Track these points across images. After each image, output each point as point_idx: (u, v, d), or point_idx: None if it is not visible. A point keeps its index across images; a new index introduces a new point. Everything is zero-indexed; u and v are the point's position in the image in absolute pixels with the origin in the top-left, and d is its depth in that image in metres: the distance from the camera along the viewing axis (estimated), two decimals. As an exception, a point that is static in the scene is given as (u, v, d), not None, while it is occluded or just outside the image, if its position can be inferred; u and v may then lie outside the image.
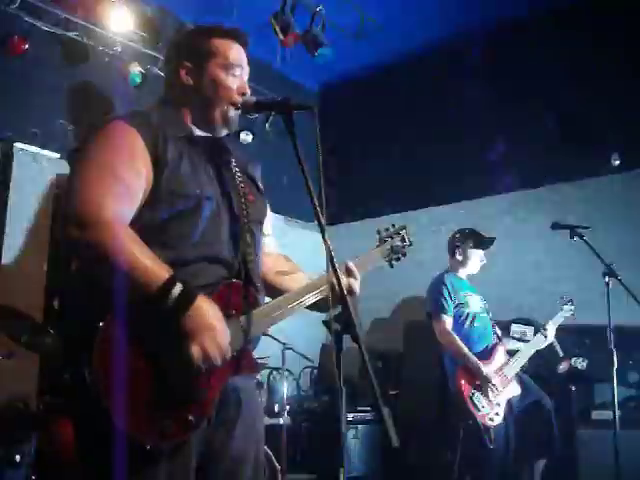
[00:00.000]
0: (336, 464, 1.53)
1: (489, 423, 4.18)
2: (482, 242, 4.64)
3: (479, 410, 4.19)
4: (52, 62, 4.91)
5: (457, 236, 4.66)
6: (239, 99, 1.97)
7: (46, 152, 5.05)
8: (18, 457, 3.46)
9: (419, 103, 6.71)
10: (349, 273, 2.07)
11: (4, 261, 4.86)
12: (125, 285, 1.60)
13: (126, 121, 1.81)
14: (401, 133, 6.73)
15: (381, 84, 6.94)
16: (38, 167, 5.03)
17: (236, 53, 2.00)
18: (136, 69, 4.48)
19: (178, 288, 1.62)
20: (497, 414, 4.24)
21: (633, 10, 4.30)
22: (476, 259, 4.65)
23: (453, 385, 4.27)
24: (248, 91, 1.99)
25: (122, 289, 1.60)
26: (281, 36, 5.09)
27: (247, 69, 2.04)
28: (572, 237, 4.42)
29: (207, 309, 1.67)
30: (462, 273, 4.65)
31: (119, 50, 4.63)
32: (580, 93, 5.55)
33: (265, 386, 4.72)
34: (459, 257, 4.63)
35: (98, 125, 1.82)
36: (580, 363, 5.01)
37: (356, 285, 2.07)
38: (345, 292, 1.57)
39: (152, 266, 1.63)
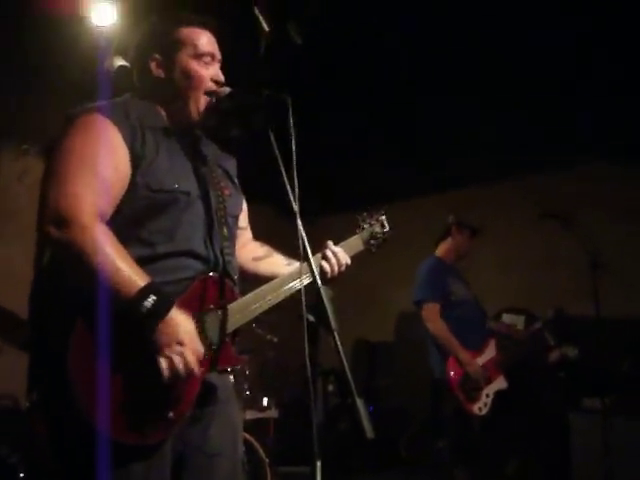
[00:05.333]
0: (327, 455, 1.50)
1: (477, 412, 4.20)
2: (474, 230, 4.64)
3: (468, 399, 4.20)
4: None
5: (452, 218, 4.64)
6: (213, 87, 1.93)
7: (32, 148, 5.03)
8: (7, 455, 3.45)
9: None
10: (326, 259, 2.07)
11: (-10, 258, 4.84)
12: (100, 288, 1.57)
13: (103, 114, 1.77)
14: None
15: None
16: (23, 164, 5.00)
17: (206, 40, 1.96)
18: (119, 62, 4.47)
19: (151, 299, 1.59)
20: (485, 405, 4.25)
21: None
22: (466, 246, 4.65)
23: (442, 373, 4.27)
24: (222, 79, 1.96)
25: (96, 292, 1.57)
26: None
27: (219, 56, 2.00)
28: (563, 226, 4.44)
29: (179, 322, 1.64)
30: (450, 260, 4.64)
31: (102, 43, 4.59)
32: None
33: (253, 379, 4.69)
34: (453, 239, 4.62)
35: (73, 116, 1.78)
36: (572, 351, 5.03)
37: (343, 260, 2.10)
38: (319, 281, 1.56)
39: (128, 272, 1.60)
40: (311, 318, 1.50)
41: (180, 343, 1.62)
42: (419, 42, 4.46)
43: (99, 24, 4.46)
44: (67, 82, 4.66)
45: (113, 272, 1.58)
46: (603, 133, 5.45)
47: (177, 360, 1.61)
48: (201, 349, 1.68)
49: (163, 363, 1.61)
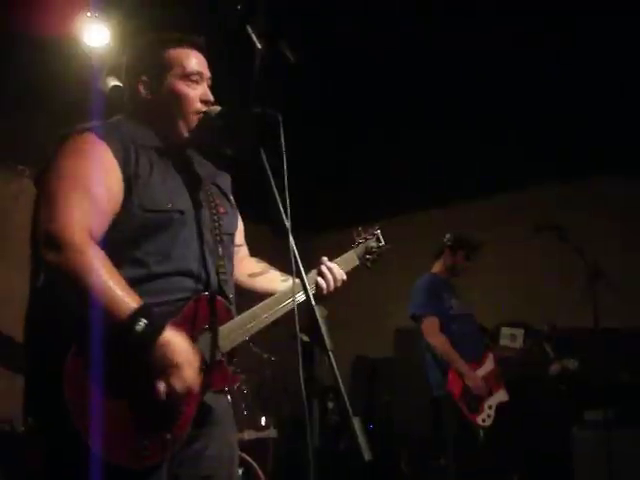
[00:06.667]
0: (327, 475, 1.48)
1: (481, 424, 4.19)
2: (471, 246, 4.63)
3: (471, 411, 4.19)
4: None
5: (447, 239, 4.64)
6: (202, 108, 1.92)
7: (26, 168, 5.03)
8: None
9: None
10: (321, 275, 2.05)
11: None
12: (93, 311, 1.56)
13: (95, 133, 1.76)
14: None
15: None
16: (18, 184, 4.99)
17: (194, 60, 1.94)
18: (113, 82, 4.47)
19: (142, 323, 1.57)
20: (489, 416, 4.24)
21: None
22: (462, 263, 4.63)
23: (441, 390, 4.25)
24: (211, 98, 1.94)
25: (90, 315, 1.56)
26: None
27: (208, 74, 1.98)
28: (560, 238, 4.42)
29: (174, 344, 1.62)
30: (446, 276, 4.62)
31: (95, 64, 4.60)
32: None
33: (251, 398, 4.65)
34: (446, 260, 4.61)
35: (66, 136, 1.77)
36: (572, 364, 5.01)
37: (338, 275, 2.06)
38: (312, 300, 1.54)
39: (120, 295, 1.58)
40: (305, 338, 1.49)
41: (175, 365, 1.60)
42: (414, 59, 4.48)
43: (92, 45, 4.47)
44: (60, 103, 4.65)
45: (105, 295, 1.57)
46: (600, 146, 5.46)
47: (173, 382, 1.60)
48: (197, 369, 1.66)
49: (159, 386, 1.59)
